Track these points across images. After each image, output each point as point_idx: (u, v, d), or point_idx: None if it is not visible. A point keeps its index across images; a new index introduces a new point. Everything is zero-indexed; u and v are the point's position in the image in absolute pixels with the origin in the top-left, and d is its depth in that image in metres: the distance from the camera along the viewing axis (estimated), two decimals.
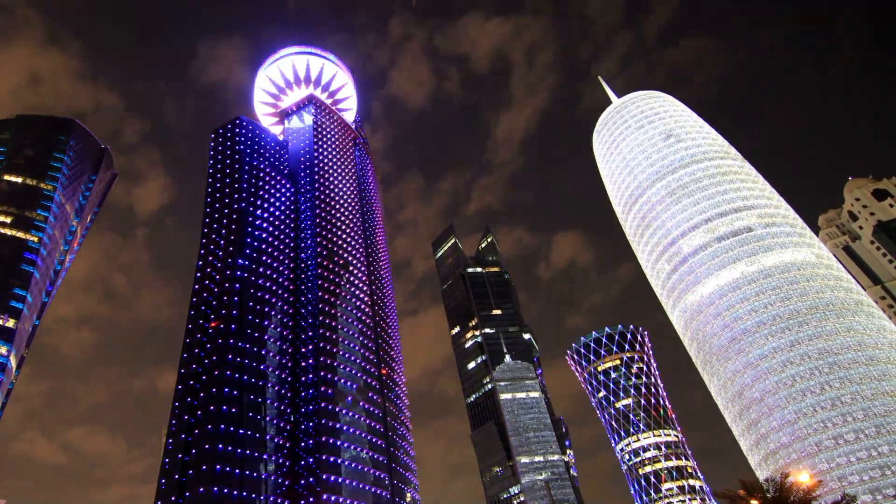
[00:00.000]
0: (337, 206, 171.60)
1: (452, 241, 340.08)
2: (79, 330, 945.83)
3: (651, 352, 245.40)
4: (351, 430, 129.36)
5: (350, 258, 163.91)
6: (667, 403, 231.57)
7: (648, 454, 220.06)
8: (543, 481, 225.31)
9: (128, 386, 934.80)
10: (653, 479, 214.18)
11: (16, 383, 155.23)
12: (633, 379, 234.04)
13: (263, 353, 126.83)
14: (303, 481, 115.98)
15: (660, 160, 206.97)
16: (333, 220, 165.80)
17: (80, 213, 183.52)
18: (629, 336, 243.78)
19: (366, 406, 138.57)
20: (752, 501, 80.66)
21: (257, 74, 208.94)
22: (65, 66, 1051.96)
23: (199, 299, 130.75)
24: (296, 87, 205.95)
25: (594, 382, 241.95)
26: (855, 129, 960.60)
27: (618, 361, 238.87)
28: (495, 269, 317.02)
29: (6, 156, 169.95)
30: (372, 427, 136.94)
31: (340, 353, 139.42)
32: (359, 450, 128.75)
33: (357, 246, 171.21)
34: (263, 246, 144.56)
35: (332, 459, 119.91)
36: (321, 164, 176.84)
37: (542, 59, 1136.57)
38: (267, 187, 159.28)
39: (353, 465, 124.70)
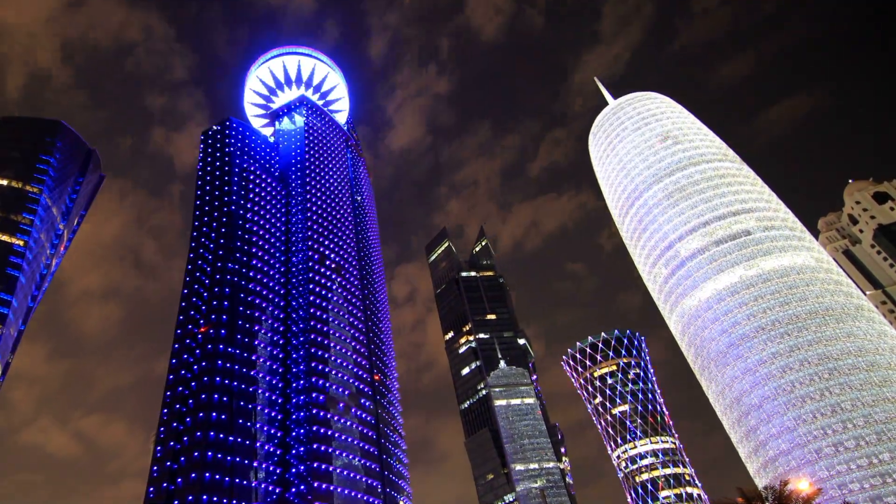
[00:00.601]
0: (328, 209, 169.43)
1: (446, 244, 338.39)
2: (103, 304, 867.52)
3: (648, 357, 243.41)
4: (343, 438, 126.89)
5: (342, 262, 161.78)
6: (664, 410, 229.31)
7: (645, 461, 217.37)
8: (539, 489, 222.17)
9: (151, 369, 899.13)
10: (650, 486, 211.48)
11: (2, 387, 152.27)
12: (630, 385, 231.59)
13: (254, 358, 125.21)
14: (294, 489, 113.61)
15: (657, 162, 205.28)
16: (325, 224, 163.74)
17: (66, 215, 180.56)
18: (626, 341, 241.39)
19: (358, 413, 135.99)
20: None
21: (247, 76, 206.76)
22: None
23: (189, 304, 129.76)
24: (287, 88, 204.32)
25: (590, 388, 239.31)
26: (855, 131, 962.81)
27: (614, 367, 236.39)
28: (490, 274, 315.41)
29: None
30: (364, 434, 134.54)
31: (332, 358, 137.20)
32: (351, 457, 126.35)
33: (349, 249, 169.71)
34: (254, 249, 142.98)
35: (323, 467, 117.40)
36: (312, 167, 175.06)
37: None
38: (258, 190, 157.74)
39: (345, 473, 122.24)
